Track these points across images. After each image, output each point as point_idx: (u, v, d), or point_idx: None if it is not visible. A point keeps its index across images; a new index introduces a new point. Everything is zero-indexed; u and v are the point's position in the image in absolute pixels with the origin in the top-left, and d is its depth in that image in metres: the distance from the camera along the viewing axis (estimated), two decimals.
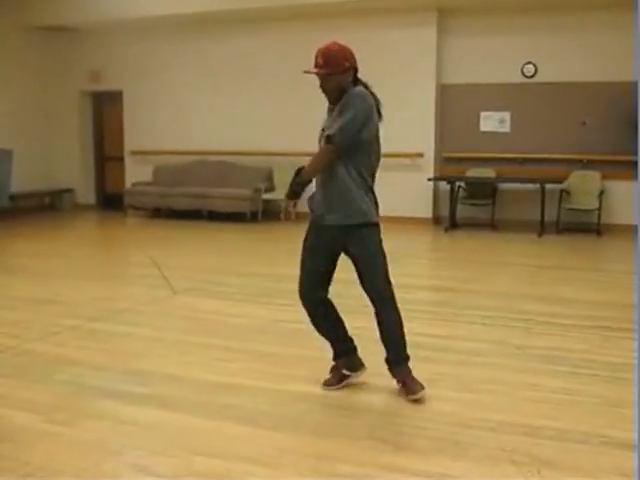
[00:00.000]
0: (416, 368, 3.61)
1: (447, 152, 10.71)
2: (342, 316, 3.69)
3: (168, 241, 9.40)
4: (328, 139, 3.36)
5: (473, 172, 10.48)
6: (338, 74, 3.36)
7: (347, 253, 3.53)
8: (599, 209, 9.65)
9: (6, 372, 4.02)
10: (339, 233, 3.47)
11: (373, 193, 3.51)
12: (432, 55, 10.43)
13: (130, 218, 11.75)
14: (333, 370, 3.75)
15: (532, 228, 9.66)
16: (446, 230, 10.04)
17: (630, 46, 9.11)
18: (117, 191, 12.55)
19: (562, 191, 9.80)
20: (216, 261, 7.81)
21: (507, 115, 10.37)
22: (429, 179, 10.41)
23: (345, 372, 3.72)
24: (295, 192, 3.47)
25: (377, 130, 3.45)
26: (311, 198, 3.60)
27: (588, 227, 9.76)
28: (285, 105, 11.18)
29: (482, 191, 10.33)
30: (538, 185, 9.62)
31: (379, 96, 3.47)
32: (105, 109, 13.15)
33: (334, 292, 3.65)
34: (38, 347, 4.49)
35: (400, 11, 10.26)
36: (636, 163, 8.79)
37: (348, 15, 10.29)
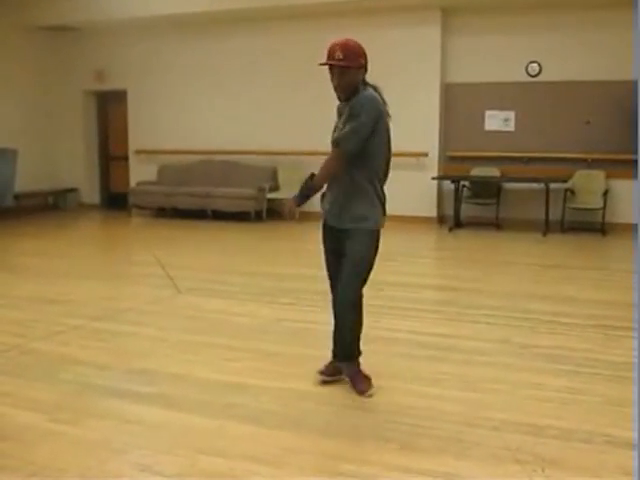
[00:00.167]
0: (420, 367, 3.62)
1: (451, 151, 10.70)
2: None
3: (172, 240, 9.41)
4: (336, 143, 3.36)
5: (477, 171, 10.46)
6: (355, 69, 3.37)
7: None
8: (603, 208, 9.62)
9: (10, 371, 4.03)
10: (340, 234, 3.51)
11: (379, 198, 3.50)
12: (436, 54, 10.42)
13: (134, 217, 11.76)
14: (330, 364, 3.78)
15: (536, 227, 9.65)
16: (450, 229, 10.03)
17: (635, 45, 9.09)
18: (121, 191, 12.56)
19: (567, 190, 9.78)
20: (220, 260, 7.81)
21: (511, 114, 10.35)
22: (433, 178, 10.40)
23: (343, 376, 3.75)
24: (306, 197, 3.47)
25: (388, 137, 3.46)
26: (323, 196, 3.63)
27: (593, 226, 9.74)
28: (289, 104, 11.18)
29: (486, 190, 10.31)
30: (542, 184, 9.60)
31: (383, 95, 3.48)
32: (109, 109, 13.16)
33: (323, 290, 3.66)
34: (42, 346, 4.50)
35: (404, 10, 10.25)
36: (637, 162, 8.77)
37: (351, 14, 10.27)
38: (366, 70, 3.45)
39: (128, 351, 4.45)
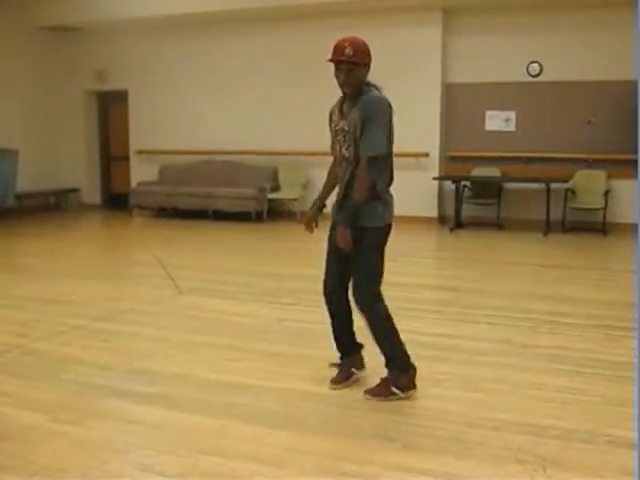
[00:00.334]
0: (421, 367, 3.61)
1: (452, 151, 10.71)
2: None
3: (173, 241, 9.41)
4: (364, 155, 3.35)
5: (478, 171, 10.46)
6: (363, 66, 3.37)
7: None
8: (604, 208, 9.62)
9: (12, 371, 4.04)
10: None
11: (380, 198, 3.49)
12: (437, 54, 10.42)
13: (136, 218, 11.76)
14: (340, 368, 3.76)
15: (537, 227, 9.64)
16: (451, 229, 10.03)
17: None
18: (122, 191, 12.57)
19: (567, 190, 9.78)
20: (221, 260, 7.81)
21: (512, 114, 10.35)
22: (434, 178, 10.41)
23: (353, 370, 3.74)
24: (354, 216, 3.41)
25: (392, 139, 3.49)
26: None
27: (593, 226, 9.74)
28: (290, 104, 11.18)
29: (487, 190, 10.31)
30: (543, 184, 9.60)
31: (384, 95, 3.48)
32: (110, 109, 13.17)
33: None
34: (44, 346, 4.50)
35: (405, 10, 10.25)
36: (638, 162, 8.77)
37: (352, 14, 10.27)
38: (369, 69, 3.46)
39: (129, 351, 4.46)
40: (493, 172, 10.39)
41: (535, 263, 7.67)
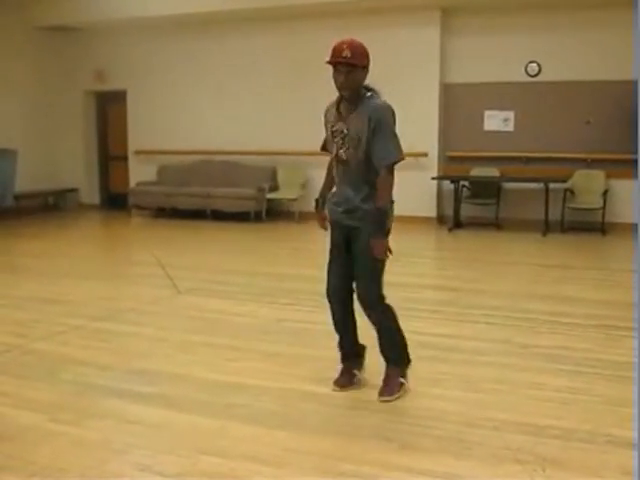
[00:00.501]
0: (420, 367, 3.62)
1: (451, 151, 10.70)
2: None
3: (172, 241, 9.41)
4: (384, 164, 3.39)
5: (477, 171, 10.46)
6: (361, 68, 3.36)
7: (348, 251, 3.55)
8: (603, 208, 9.62)
9: (11, 371, 4.03)
10: (346, 230, 3.52)
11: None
12: (436, 54, 10.42)
13: (134, 218, 11.76)
14: (342, 371, 3.75)
15: (536, 227, 9.64)
16: (450, 229, 10.03)
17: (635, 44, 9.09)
18: (121, 191, 12.54)
19: (566, 190, 9.77)
20: (220, 260, 7.81)
21: (511, 114, 10.34)
22: (433, 178, 10.40)
23: (355, 372, 3.73)
24: (384, 223, 3.44)
25: None
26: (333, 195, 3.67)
27: (592, 226, 9.73)
28: (289, 104, 11.17)
29: (486, 190, 10.31)
30: (542, 184, 9.60)
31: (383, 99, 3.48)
32: (109, 109, 13.15)
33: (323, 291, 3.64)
34: (43, 346, 4.50)
35: (403, 10, 10.24)
36: (637, 162, 8.77)
37: (351, 15, 10.26)
38: (368, 72, 3.45)
39: (128, 351, 4.46)
40: (492, 172, 10.39)
41: (534, 263, 7.67)
